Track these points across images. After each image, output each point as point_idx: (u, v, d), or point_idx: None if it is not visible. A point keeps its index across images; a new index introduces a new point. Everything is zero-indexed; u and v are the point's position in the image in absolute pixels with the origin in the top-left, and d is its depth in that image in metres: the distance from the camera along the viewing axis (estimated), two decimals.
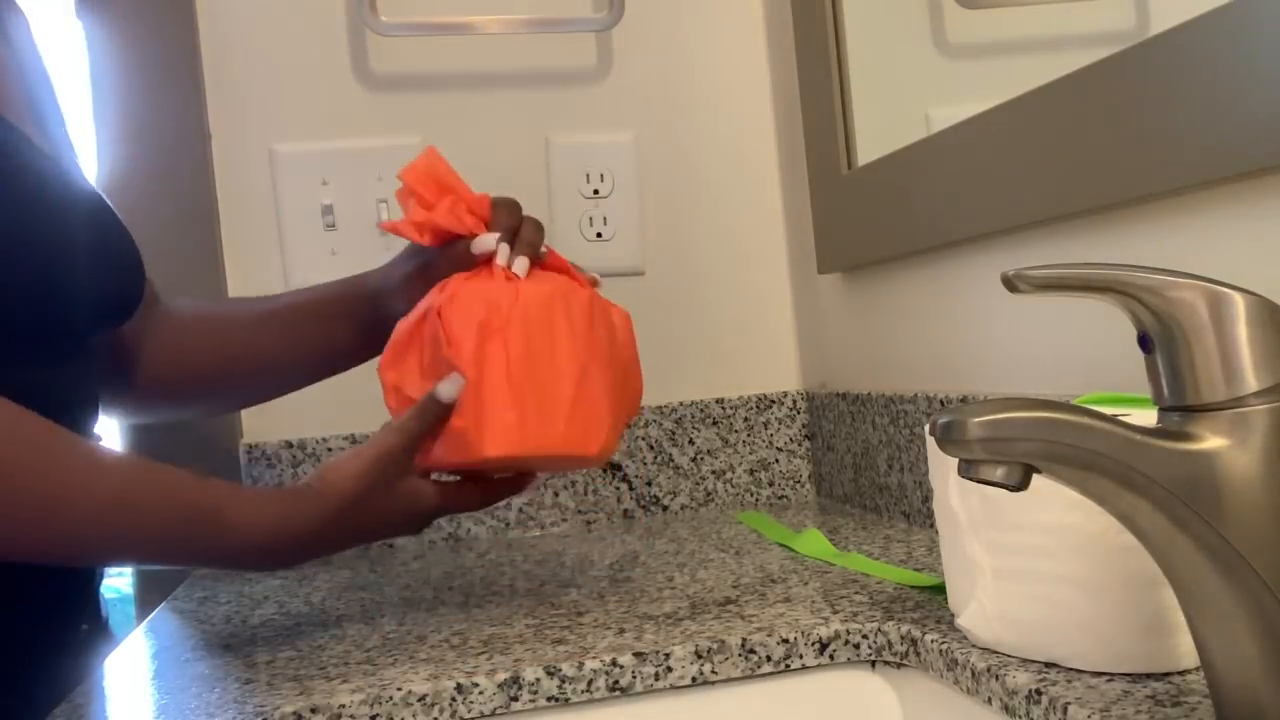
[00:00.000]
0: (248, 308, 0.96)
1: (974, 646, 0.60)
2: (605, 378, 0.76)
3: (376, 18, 1.14)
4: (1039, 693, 0.53)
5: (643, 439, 1.20)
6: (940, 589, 0.72)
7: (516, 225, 0.82)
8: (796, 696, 0.67)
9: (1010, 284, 0.44)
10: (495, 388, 0.72)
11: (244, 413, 1.13)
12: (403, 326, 0.78)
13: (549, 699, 0.64)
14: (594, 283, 0.82)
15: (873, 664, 0.68)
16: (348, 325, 0.91)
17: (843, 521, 1.05)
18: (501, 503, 0.86)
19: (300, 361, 0.93)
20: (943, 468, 0.62)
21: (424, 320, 0.77)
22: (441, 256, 0.82)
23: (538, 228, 0.83)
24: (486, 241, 0.79)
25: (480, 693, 0.63)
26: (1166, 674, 0.53)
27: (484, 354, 0.72)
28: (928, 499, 0.96)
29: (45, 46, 0.89)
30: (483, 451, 0.72)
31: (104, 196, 0.84)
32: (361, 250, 1.17)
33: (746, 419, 1.23)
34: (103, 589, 0.89)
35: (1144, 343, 0.44)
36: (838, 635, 0.67)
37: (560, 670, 0.64)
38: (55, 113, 0.88)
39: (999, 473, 0.43)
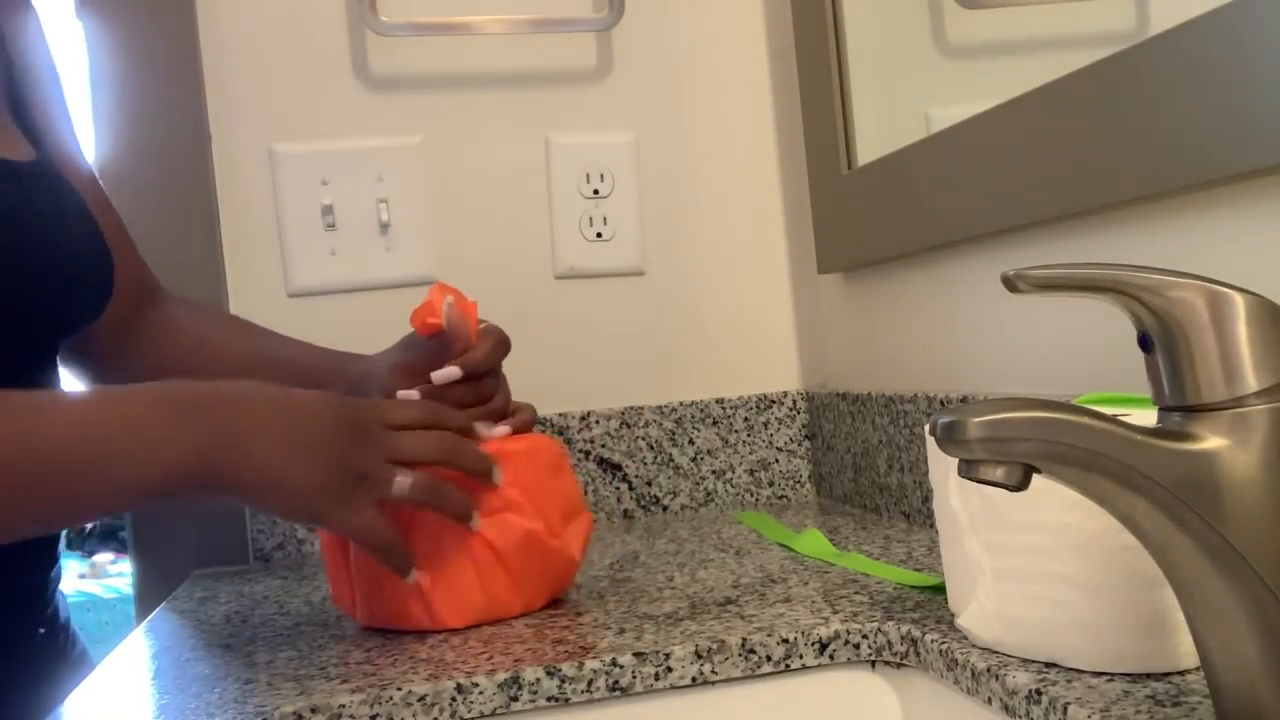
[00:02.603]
0: (243, 341, 0.93)
1: (974, 646, 0.60)
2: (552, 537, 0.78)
3: (376, 18, 1.14)
4: (1039, 693, 0.53)
5: (643, 439, 1.20)
6: (940, 589, 0.72)
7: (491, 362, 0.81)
8: (796, 696, 0.67)
9: (1010, 284, 0.44)
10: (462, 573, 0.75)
11: None
12: None
13: (549, 699, 0.64)
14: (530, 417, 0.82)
15: (873, 664, 0.68)
16: None
17: (843, 521, 1.05)
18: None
19: None
20: (943, 468, 0.62)
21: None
22: (422, 354, 0.82)
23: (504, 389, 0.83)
24: (450, 373, 0.79)
25: (480, 693, 0.63)
26: (1166, 674, 0.53)
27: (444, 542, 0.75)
28: (928, 499, 0.96)
29: (55, 44, 0.89)
30: (446, 625, 0.75)
31: (81, 200, 0.83)
32: (361, 250, 1.17)
33: (746, 419, 1.23)
34: (60, 591, 0.88)
35: (1144, 343, 0.44)
36: (838, 635, 0.67)
37: (560, 670, 0.64)
38: (61, 109, 0.88)
39: (999, 473, 0.43)
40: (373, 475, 0.70)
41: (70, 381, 0.91)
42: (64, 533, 0.88)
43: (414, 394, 0.78)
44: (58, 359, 0.85)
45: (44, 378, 0.83)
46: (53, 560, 0.86)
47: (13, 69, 0.84)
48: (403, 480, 0.71)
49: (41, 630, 0.83)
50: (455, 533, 0.74)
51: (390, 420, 0.73)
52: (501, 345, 0.82)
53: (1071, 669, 0.55)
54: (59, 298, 0.80)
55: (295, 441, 0.69)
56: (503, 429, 0.79)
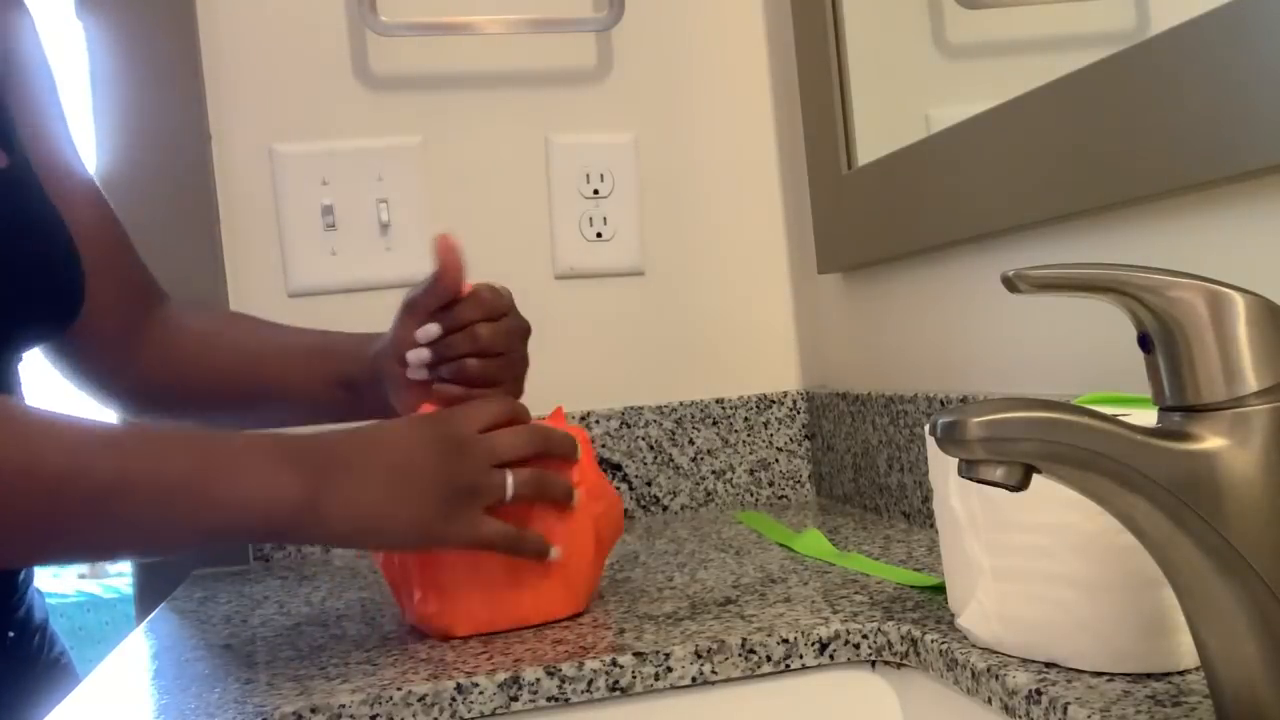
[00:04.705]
0: (254, 335, 0.93)
1: (974, 646, 0.60)
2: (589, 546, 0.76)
3: (376, 18, 1.14)
4: (1039, 693, 0.53)
5: (643, 439, 1.20)
6: (940, 589, 0.72)
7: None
8: (796, 696, 0.67)
9: (1010, 284, 0.44)
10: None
11: None
12: None
13: (549, 699, 0.64)
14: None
15: (873, 664, 0.68)
16: (345, 383, 0.87)
17: (843, 521, 1.05)
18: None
19: (293, 404, 0.89)
20: (943, 468, 0.62)
21: None
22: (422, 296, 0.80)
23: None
24: (429, 330, 0.78)
25: (480, 693, 0.63)
26: (1166, 674, 0.53)
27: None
28: (928, 499, 0.96)
29: (49, 44, 0.89)
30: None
31: (53, 211, 0.82)
32: (361, 250, 1.17)
33: (746, 419, 1.23)
34: (36, 591, 0.87)
35: (1144, 343, 0.44)
36: (838, 635, 0.67)
37: (560, 670, 0.64)
38: (53, 110, 0.87)
39: (999, 473, 0.43)
40: (481, 484, 0.70)
41: (65, 390, 0.91)
42: None
43: (435, 328, 0.78)
44: (18, 370, 0.84)
45: (3, 388, 0.82)
46: None
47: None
48: (510, 480, 0.71)
49: (11, 633, 0.82)
50: (582, 520, 0.75)
51: (478, 424, 0.72)
52: (484, 304, 0.79)
53: (1071, 669, 0.55)
54: (20, 313, 0.79)
55: (395, 478, 0.69)
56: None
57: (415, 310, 0.79)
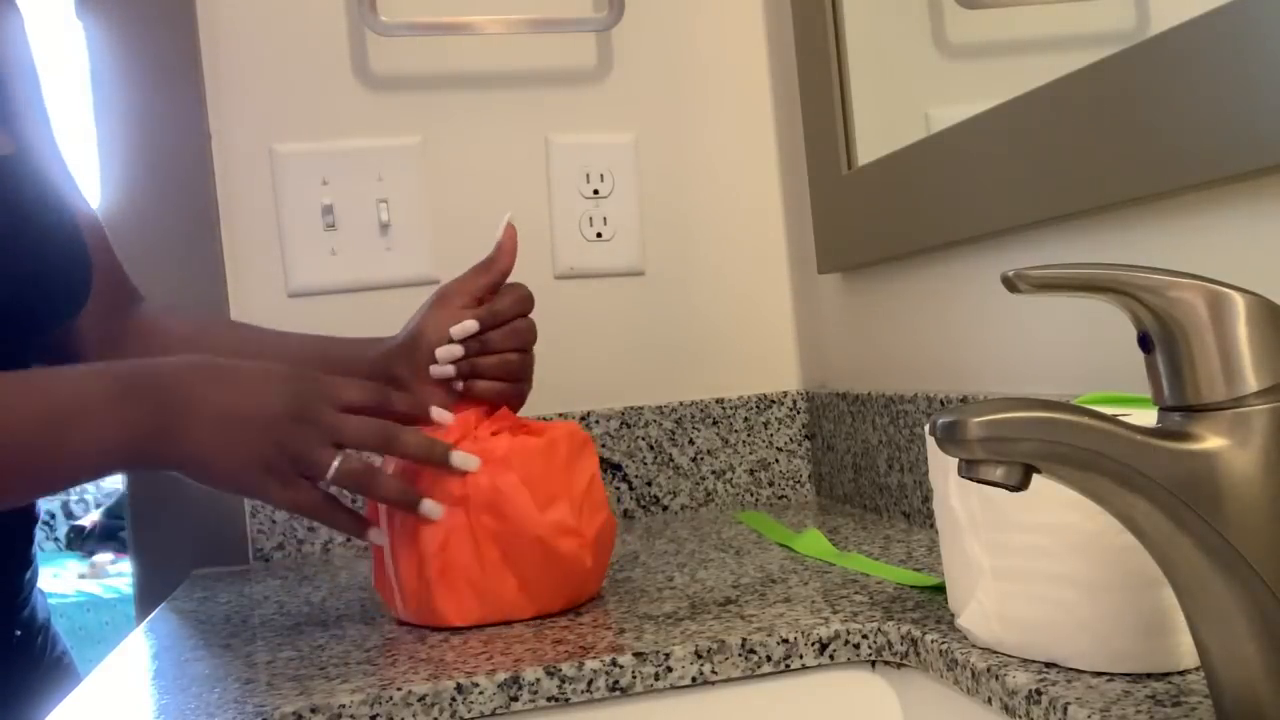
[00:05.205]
0: (239, 339, 0.91)
1: (974, 646, 0.60)
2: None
3: (376, 18, 1.14)
4: (1039, 693, 0.53)
5: (643, 439, 1.20)
6: (940, 589, 0.72)
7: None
8: (796, 696, 0.67)
9: (1010, 284, 0.44)
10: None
11: None
12: None
13: (549, 699, 0.64)
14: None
15: (873, 664, 0.68)
16: None
17: (843, 521, 1.05)
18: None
19: None
20: (943, 468, 0.62)
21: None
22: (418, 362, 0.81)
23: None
24: (467, 326, 0.79)
25: (480, 693, 0.63)
26: (1166, 674, 0.53)
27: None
28: (928, 499, 0.96)
29: (38, 45, 0.89)
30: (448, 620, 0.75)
31: (61, 194, 0.82)
32: (361, 250, 1.17)
33: (746, 419, 1.23)
34: (39, 592, 0.87)
35: (1144, 343, 0.44)
36: (838, 635, 0.67)
37: (560, 670, 0.64)
38: (39, 109, 0.87)
39: (999, 473, 0.43)
40: (308, 457, 0.70)
41: None
42: (37, 535, 0.87)
43: (473, 324, 0.80)
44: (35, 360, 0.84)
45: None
46: (25, 562, 0.85)
47: None
48: (335, 464, 0.70)
49: (17, 633, 0.83)
50: (461, 531, 0.73)
51: (341, 400, 0.72)
52: (524, 300, 0.82)
53: (1071, 669, 0.55)
54: (39, 291, 0.79)
55: (234, 417, 0.69)
56: (446, 415, 0.76)
57: (449, 300, 0.81)
